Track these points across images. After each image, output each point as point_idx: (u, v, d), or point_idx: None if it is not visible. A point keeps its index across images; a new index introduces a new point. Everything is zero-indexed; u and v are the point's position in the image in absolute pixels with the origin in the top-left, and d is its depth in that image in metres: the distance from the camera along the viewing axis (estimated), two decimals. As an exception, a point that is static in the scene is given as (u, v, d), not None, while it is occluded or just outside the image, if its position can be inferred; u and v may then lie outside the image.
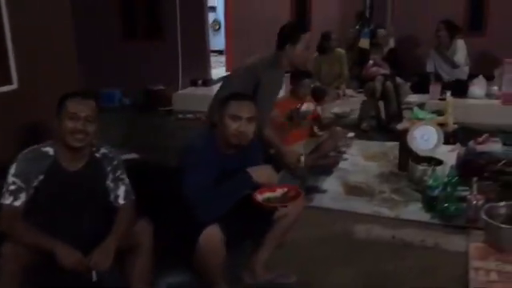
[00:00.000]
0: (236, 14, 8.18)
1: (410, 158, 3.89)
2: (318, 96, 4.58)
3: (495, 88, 5.67)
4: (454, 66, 5.80)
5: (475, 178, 3.23)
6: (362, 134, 5.46)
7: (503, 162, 4.06)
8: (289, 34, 3.06)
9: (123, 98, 7.35)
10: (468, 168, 3.95)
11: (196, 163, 2.24)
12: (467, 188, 3.48)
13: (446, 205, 3.34)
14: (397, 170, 4.19)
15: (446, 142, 4.43)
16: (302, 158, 3.09)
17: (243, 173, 2.26)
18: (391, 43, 6.40)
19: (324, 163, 4.26)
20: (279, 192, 2.37)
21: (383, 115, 5.73)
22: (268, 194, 2.33)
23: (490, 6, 7.02)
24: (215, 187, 2.21)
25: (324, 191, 3.80)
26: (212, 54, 10.77)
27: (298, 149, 4.21)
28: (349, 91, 6.38)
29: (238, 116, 2.30)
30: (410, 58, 6.92)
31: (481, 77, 5.79)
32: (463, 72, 5.86)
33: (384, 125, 5.62)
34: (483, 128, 5.34)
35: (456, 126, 4.91)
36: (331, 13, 7.51)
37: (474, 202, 3.18)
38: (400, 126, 4.23)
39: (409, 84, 6.14)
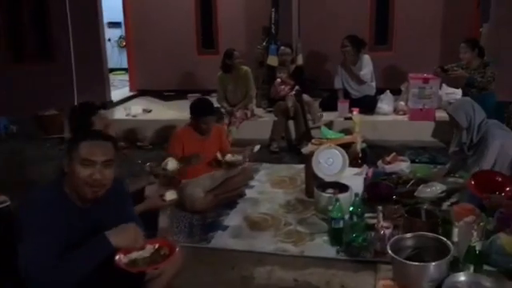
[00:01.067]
0: (137, 29, 7.69)
1: (315, 185, 3.65)
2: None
3: (402, 103, 5.69)
4: (361, 81, 5.75)
5: (380, 207, 3.04)
6: (272, 156, 5.22)
7: (412, 182, 3.96)
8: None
9: (10, 126, 6.59)
10: (375, 192, 3.79)
11: (36, 226, 1.77)
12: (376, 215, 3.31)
13: (353, 235, 3.13)
14: (305, 196, 3.95)
15: (354, 164, 4.29)
16: (171, 196, 2.71)
17: (99, 237, 1.83)
18: (299, 60, 6.27)
19: (229, 196, 3.93)
20: (148, 250, 1.96)
21: (293, 135, 5.54)
22: (134, 255, 1.92)
23: (395, 21, 7.15)
24: (63, 258, 1.75)
25: (225, 228, 3.45)
26: (120, 72, 10.23)
27: (202, 181, 3.85)
28: (259, 110, 6.17)
29: (90, 160, 1.87)
30: (319, 75, 6.85)
31: (388, 92, 5.79)
32: (371, 88, 5.83)
33: (294, 145, 5.42)
34: (392, 145, 5.32)
35: (364, 144, 4.81)
36: (238, 28, 7.27)
37: (382, 232, 2.98)
38: (305, 150, 4.00)
39: (318, 101, 6.03)
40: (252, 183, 4.35)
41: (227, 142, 4.23)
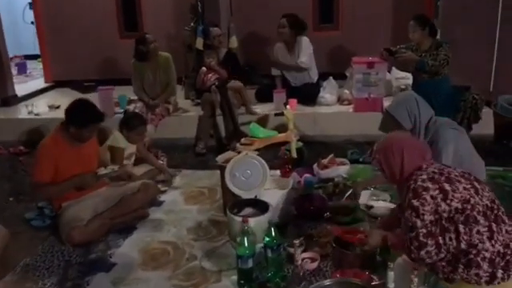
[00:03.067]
0: (49, 9, 6.72)
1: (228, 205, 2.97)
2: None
3: (346, 92, 5.06)
4: (299, 68, 5.07)
5: (297, 240, 2.39)
6: (197, 159, 4.50)
7: (349, 192, 3.33)
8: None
9: None
10: (305, 207, 3.15)
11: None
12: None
13: (269, 273, 2.48)
14: (221, 214, 3.27)
15: (283, 172, 3.63)
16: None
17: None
18: (233, 43, 5.53)
19: (128, 220, 3.21)
20: None
21: (223, 133, 4.83)
22: None
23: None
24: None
25: (110, 267, 2.72)
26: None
27: (91, 202, 3.12)
28: (187, 103, 5.42)
29: None
30: (258, 59, 6.13)
31: (331, 79, 5.14)
32: (311, 74, 5.16)
33: (225, 145, 4.71)
34: (335, 141, 4.70)
35: (300, 143, 4.15)
36: (165, 8, 6.43)
37: (302, 270, 2.33)
38: (220, 158, 3.29)
39: (254, 91, 5.34)
40: (163, 197, 3.64)
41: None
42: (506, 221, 1.93)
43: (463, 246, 1.86)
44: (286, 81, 5.22)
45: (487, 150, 4.12)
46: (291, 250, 2.65)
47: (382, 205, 3.13)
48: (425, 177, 1.96)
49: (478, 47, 4.99)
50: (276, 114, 4.10)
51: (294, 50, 5.09)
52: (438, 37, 4.74)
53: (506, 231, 1.90)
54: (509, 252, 1.86)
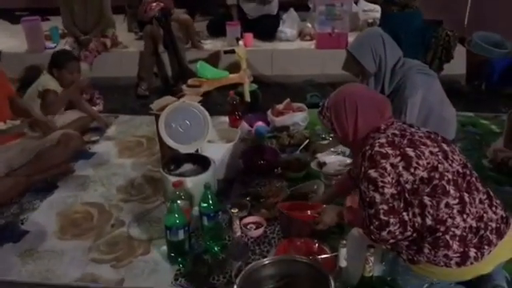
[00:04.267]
0: None
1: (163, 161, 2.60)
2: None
3: (309, 26, 4.59)
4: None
5: (234, 210, 2.04)
6: (139, 103, 4.05)
7: (305, 142, 3.00)
8: None
9: None
10: (253, 162, 2.80)
11: None
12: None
13: (208, 243, 2.17)
14: (159, 169, 2.88)
15: (233, 120, 3.24)
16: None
17: None
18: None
19: (48, 176, 2.80)
20: None
21: (170, 72, 4.34)
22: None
23: None
24: None
25: (21, 235, 2.34)
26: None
27: (4, 155, 2.68)
28: (130, 37, 4.85)
29: None
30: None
31: (292, 11, 4.65)
32: (272, 4, 4.64)
33: (171, 86, 4.24)
34: (294, 82, 4.30)
35: (255, 86, 3.75)
36: None
37: (242, 239, 2.01)
38: (155, 105, 2.85)
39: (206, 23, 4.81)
40: (94, 148, 3.22)
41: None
42: (480, 188, 1.64)
43: (429, 222, 1.56)
44: (242, 12, 4.70)
45: (458, 93, 3.85)
46: (231, 211, 2.32)
47: (337, 160, 2.78)
48: (383, 140, 1.61)
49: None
50: (226, 52, 3.64)
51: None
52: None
53: (480, 201, 1.61)
54: (482, 226, 1.57)
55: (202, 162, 2.53)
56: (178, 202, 2.09)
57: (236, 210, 1.96)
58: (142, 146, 3.24)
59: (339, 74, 4.33)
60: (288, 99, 3.38)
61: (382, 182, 1.56)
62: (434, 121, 2.47)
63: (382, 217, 1.55)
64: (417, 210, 1.56)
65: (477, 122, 3.33)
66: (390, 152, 1.57)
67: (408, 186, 1.56)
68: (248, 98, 3.59)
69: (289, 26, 4.57)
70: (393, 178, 1.56)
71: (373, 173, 1.57)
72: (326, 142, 3.02)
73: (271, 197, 2.49)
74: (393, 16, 3.81)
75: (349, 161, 2.71)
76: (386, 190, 1.55)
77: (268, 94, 3.91)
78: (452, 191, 1.55)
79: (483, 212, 1.59)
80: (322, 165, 2.76)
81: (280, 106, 3.34)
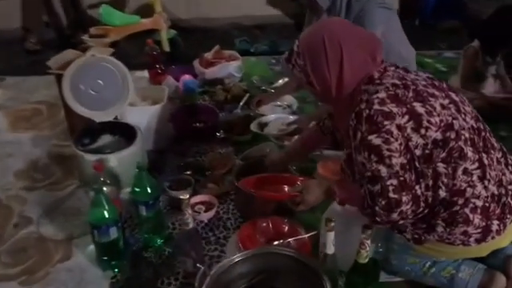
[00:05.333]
0: None
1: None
2: None
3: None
4: None
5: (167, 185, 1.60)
6: (29, 60, 3.33)
7: (245, 100, 2.58)
8: None
9: None
10: (185, 126, 2.35)
11: None
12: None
13: (146, 236, 1.72)
14: (68, 142, 2.29)
15: (153, 73, 2.72)
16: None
17: None
18: None
19: None
20: None
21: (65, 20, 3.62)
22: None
23: None
24: None
25: None
26: None
27: None
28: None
29: None
30: None
31: None
32: None
33: (68, 37, 3.54)
34: (217, 26, 3.80)
35: (173, 32, 3.23)
36: None
37: (190, 227, 1.58)
38: (53, 62, 2.21)
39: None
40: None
41: None
42: (495, 144, 1.35)
43: (443, 194, 1.25)
44: None
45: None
46: (173, 193, 1.89)
47: (279, 118, 2.36)
48: (383, 95, 1.25)
49: None
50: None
51: None
52: None
53: (497, 161, 1.33)
54: (503, 192, 1.30)
55: (124, 132, 2.04)
56: (104, 189, 1.60)
57: (186, 196, 1.52)
58: (42, 114, 2.62)
59: (267, 14, 3.97)
60: (217, 46, 2.90)
61: (387, 150, 1.20)
62: (392, 61, 2.16)
63: (391, 195, 1.21)
64: (430, 182, 1.24)
65: (422, 61, 3.11)
66: (395, 110, 1.22)
67: (418, 152, 1.23)
68: (167, 47, 3.08)
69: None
70: (401, 144, 1.21)
71: (375, 139, 1.21)
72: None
73: (217, 167, 2.07)
74: None
75: (292, 117, 2.34)
76: (393, 161, 1.20)
77: (188, 42, 3.39)
78: (470, 153, 1.25)
79: (502, 174, 1.32)
80: (262, 125, 2.37)
81: (208, 55, 2.86)
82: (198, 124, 2.36)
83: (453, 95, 1.32)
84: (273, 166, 1.85)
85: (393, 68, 1.37)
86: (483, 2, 4.20)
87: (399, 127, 1.21)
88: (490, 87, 2.53)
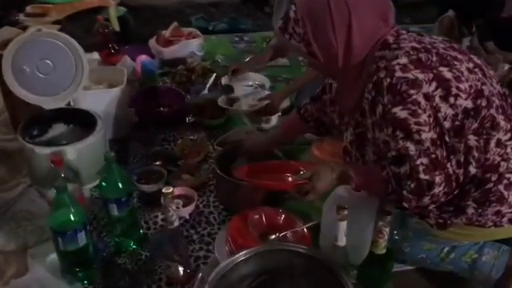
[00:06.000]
0: None
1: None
2: None
3: None
4: None
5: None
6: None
7: (213, 76, 2.34)
8: None
9: None
10: (150, 112, 2.10)
11: None
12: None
13: (118, 239, 1.47)
14: (12, 135, 1.97)
15: (106, 55, 2.42)
16: None
17: None
18: None
19: None
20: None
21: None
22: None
23: None
24: None
25: None
26: None
27: None
28: None
29: None
30: None
31: None
32: None
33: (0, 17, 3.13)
34: (167, 5, 3.51)
35: (123, 9, 2.94)
36: None
37: (175, 226, 1.34)
38: None
39: None
40: None
41: None
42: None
43: (474, 170, 1.11)
44: None
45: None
46: (144, 187, 1.64)
47: (248, 91, 2.19)
48: (405, 60, 1.08)
49: None
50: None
51: None
52: None
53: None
54: None
55: (80, 120, 1.77)
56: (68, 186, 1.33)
57: (169, 190, 1.28)
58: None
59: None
60: (175, 23, 2.64)
61: (416, 123, 1.04)
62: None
63: (422, 176, 1.04)
64: (461, 157, 1.09)
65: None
66: (421, 76, 1.05)
67: (448, 124, 1.07)
68: (117, 26, 2.78)
69: None
70: (429, 116, 1.05)
71: (400, 111, 1.04)
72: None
73: (190, 156, 1.85)
74: None
75: (265, 93, 2.15)
76: (423, 136, 1.04)
77: (139, 21, 3.10)
78: (502, 122, 1.11)
79: None
80: (231, 101, 2.16)
81: (166, 33, 2.59)
82: (162, 108, 2.10)
83: (475, 58, 1.17)
84: (251, 155, 1.65)
85: (404, 31, 1.20)
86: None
87: (427, 96, 1.05)
88: (465, 59, 2.46)
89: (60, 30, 2.08)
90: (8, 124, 2.03)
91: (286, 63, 2.61)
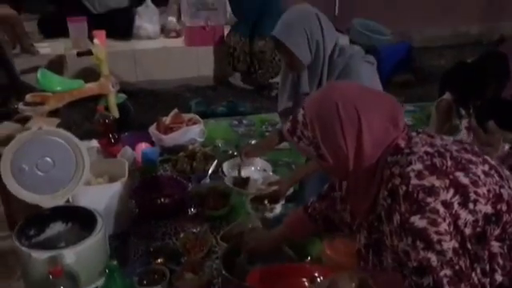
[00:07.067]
0: None
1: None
2: None
3: (172, 20, 3.87)
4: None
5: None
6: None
7: (214, 164, 2.30)
8: None
9: None
10: (151, 204, 2.04)
11: None
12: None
13: None
14: (8, 232, 1.89)
15: (105, 143, 2.39)
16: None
17: None
18: None
19: None
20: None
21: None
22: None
23: None
24: None
25: None
26: None
27: None
28: None
29: None
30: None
31: (149, 3, 3.85)
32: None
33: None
34: (165, 89, 3.54)
35: (123, 96, 2.95)
36: None
37: None
38: None
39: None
40: None
41: None
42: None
43: (500, 278, 1.04)
44: (83, 6, 3.75)
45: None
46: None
47: (259, 176, 2.17)
48: (419, 166, 1.04)
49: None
50: (80, 54, 2.73)
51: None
52: None
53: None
54: None
55: (79, 218, 1.69)
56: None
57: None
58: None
59: (220, 74, 3.80)
60: (175, 110, 2.64)
61: (436, 233, 0.99)
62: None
63: None
64: (487, 266, 1.03)
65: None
66: (437, 183, 1.01)
67: (468, 231, 1.02)
68: (116, 113, 2.77)
69: (148, 20, 3.78)
70: (449, 224, 1.00)
71: (419, 221, 1.00)
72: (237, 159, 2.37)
73: (193, 251, 1.76)
74: None
75: (274, 178, 2.12)
76: (444, 246, 0.99)
77: (138, 106, 3.11)
78: None
79: None
80: (240, 181, 2.11)
81: (166, 120, 2.58)
82: (162, 199, 2.04)
83: (488, 159, 1.14)
84: (255, 252, 1.59)
85: (414, 133, 1.18)
86: (431, 54, 4.35)
87: (445, 204, 1.00)
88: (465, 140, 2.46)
89: (60, 123, 2.07)
90: (3, 219, 1.95)
91: (286, 146, 2.58)
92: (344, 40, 2.04)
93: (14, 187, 1.66)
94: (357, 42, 3.76)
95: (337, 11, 4.42)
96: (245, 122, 2.89)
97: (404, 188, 1.02)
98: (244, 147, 2.24)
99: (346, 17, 4.17)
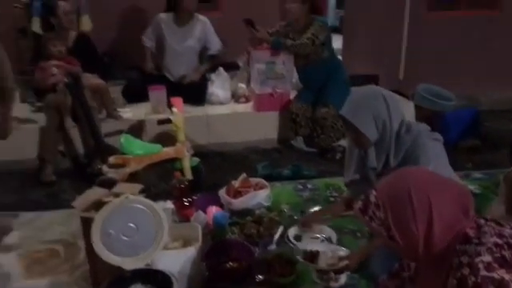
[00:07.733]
0: None
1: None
2: None
3: (242, 86, 4.11)
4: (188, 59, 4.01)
5: None
6: (42, 193, 3.15)
7: (279, 233, 2.38)
8: None
9: None
10: (220, 269, 2.13)
11: None
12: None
13: None
14: (90, 290, 2.07)
15: (179, 204, 2.54)
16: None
17: None
18: (85, 24, 4.18)
19: None
20: None
21: (81, 149, 3.53)
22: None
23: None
24: None
25: None
26: None
27: None
28: (25, 108, 3.95)
29: None
30: (120, 48, 4.83)
31: (221, 70, 4.13)
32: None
33: (85, 166, 3.42)
34: (234, 150, 3.72)
35: (197, 160, 3.13)
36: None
37: None
38: (79, 203, 2.03)
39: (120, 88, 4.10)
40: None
41: None
42: None
43: None
44: (163, 75, 4.09)
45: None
46: None
47: (327, 249, 2.16)
48: (489, 258, 1.08)
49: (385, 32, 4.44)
50: (160, 122, 2.98)
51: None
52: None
53: None
54: None
55: (157, 281, 1.81)
56: None
57: None
58: (58, 256, 2.36)
59: (284, 137, 3.94)
60: (244, 174, 2.78)
61: None
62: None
63: None
64: None
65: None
66: (507, 277, 1.04)
67: None
68: (189, 175, 2.95)
69: (220, 86, 4.04)
70: None
71: None
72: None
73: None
74: (301, 68, 3.73)
75: (343, 252, 2.14)
76: None
77: (208, 168, 3.28)
78: None
79: None
80: (310, 255, 2.14)
81: (235, 184, 2.72)
82: (231, 263, 2.13)
83: None
84: None
85: (483, 221, 1.21)
86: (498, 119, 4.26)
87: None
88: (537, 213, 2.38)
89: (137, 178, 2.24)
90: (87, 278, 2.12)
91: (349, 212, 2.62)
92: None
93: (100, 250, 1.82)
94: (421, 106, 3.81)
95: (401, 75, 4.48)
96: (309, 186, 2.96)
97: (473, 279, 1.05)
98: (303, 218, 2.32)
99: (411, 81, 4.23)
